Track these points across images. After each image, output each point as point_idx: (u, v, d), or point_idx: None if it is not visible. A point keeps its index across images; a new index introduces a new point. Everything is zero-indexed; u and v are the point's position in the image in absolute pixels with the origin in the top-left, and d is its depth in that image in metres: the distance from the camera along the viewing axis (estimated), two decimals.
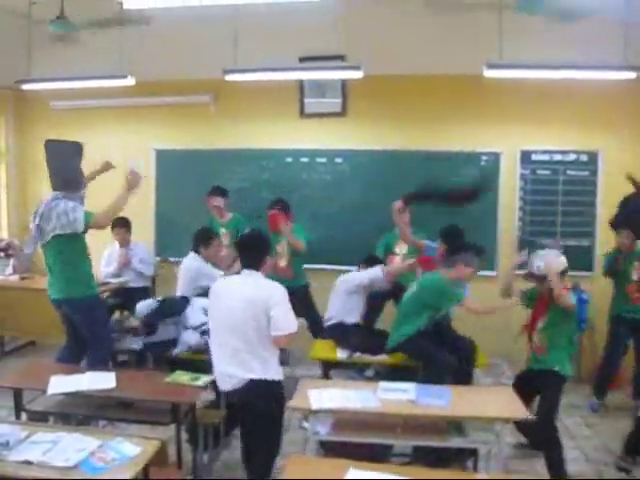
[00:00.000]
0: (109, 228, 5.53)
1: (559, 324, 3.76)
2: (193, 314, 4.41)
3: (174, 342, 4.39)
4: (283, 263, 5.38)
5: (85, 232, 4.11)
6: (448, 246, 4.51)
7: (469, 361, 4.19)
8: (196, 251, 4.87)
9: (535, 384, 3.76)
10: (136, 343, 4.60)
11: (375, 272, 4.70)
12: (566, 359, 3.74)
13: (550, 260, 3.79)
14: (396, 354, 4.26)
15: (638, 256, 4.75)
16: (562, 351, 3.74)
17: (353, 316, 4.68)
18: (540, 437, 3.64)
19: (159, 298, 4.71)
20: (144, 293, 5.83)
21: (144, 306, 4.54)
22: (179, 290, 4.80)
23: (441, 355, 4.06)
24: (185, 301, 4.54)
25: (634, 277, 4.75)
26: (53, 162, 4.17)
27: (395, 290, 4.95)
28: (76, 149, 4.21)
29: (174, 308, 4.47)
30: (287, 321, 3.10)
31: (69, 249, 4.12)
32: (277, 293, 3.13)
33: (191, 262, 4.82)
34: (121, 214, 5.54)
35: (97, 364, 3.95)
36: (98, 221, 4.10)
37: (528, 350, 3.95)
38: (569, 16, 4.33)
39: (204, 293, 4.30)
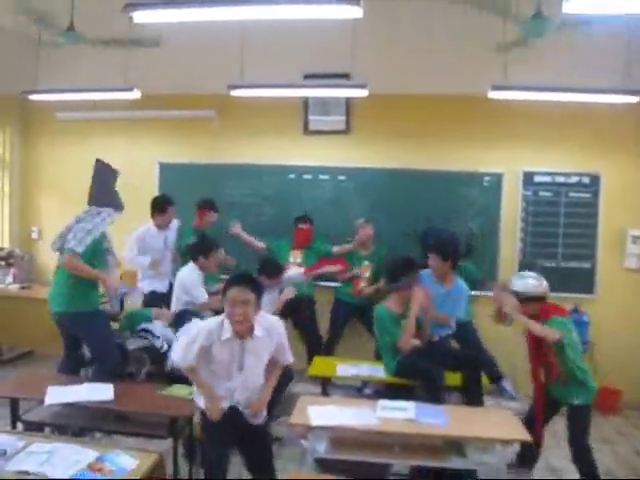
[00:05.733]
0: (152, 212, 5.44)
1: (568, 354, 3.58)
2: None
3: None
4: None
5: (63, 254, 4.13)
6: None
7: (475, 375, 4.16)
8: (194, 260, 4.79)
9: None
10: None
11: None
12: (579, 388, 3.58)
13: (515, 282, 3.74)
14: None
15: None
16: (574, 380, 3.57)
17: None
18: (577, 464, 3.59)
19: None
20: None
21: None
22: (174, 301, 4.75)
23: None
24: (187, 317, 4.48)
25: None
26: (97, 180, 4.35)
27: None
28: (114, 174, 4.41)
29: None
30: None
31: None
32: None
33: (188, 273, 4.74)
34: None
35: (100, 378, 3.91)
36: (73, 262, 4.03)
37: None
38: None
39: None
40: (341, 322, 5.58)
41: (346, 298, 5.57)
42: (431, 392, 3.87)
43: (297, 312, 5.37)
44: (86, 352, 4.35)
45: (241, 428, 3.05)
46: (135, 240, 5.35)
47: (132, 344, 4.49)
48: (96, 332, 4.18)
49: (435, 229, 5.32)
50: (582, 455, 3.55)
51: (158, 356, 4.40)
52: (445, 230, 5.22)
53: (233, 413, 3.03)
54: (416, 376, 4.08)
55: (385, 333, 4.24)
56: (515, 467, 3.89)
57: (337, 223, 5.88)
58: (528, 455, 3.87)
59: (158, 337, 4.49)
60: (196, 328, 3.05)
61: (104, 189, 4.32)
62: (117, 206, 4.32)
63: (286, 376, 4.70)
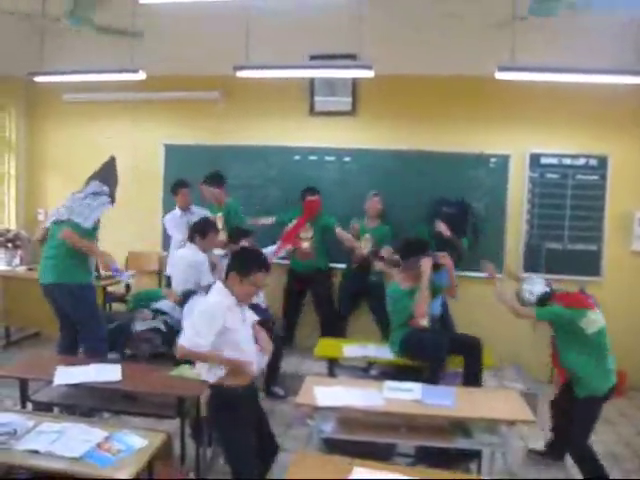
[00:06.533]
0: (169, 193, 5.73)
1: (565, 344, 3.67)
2: None
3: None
4: (305, 245, 5.52)
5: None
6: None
7: (475, 359, 4.16)
8: (191, 240, 4.79)
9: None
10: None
11: None
12: (583, 379, 3.57)
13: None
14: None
15: None
16: (578, 372, 3.60)
17: None
18: (574, 458, 3.60)
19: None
20: None
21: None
22: (178, 282, 4.73)
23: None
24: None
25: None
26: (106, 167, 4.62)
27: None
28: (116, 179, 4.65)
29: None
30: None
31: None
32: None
33: (194, 254, 4.72)
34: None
35: (91, 354, 4.01)
36: (71, 236, 4.17)
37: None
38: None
39: None
40: (348, 300, 5.63)
41: (351, 276, 5.62)
42: (433, 372, 3.89)
43: (313, 285, 5.57)
44: None
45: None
46: (169, 226, 5.56)
47: (141, 325, 4.54)
48: (86, 305, 4.28)
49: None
50: (579, 456, 3.55)
51: (169, 335, 4.50)
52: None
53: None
54: (423, 351, 4.08)
55: (399, 309, 4.27)
56: (545, 457, 3.95)
57: (342, 205, 5.87)
58: (558, 445, 3.88)
59: (169, 314, 4.63)
60: (206, 307, 2.91)
61: (108, 176, 4.52)
62: (112, 196, 4.45)
63: (276, 352, 4.77)
